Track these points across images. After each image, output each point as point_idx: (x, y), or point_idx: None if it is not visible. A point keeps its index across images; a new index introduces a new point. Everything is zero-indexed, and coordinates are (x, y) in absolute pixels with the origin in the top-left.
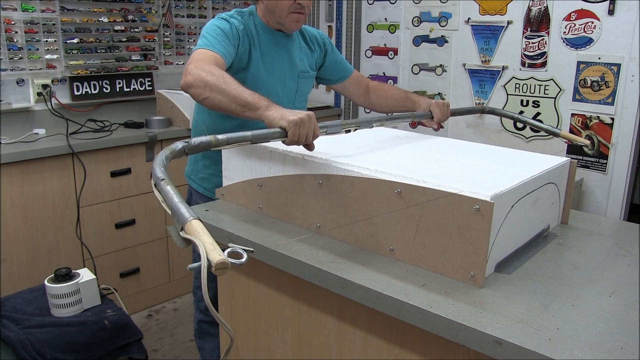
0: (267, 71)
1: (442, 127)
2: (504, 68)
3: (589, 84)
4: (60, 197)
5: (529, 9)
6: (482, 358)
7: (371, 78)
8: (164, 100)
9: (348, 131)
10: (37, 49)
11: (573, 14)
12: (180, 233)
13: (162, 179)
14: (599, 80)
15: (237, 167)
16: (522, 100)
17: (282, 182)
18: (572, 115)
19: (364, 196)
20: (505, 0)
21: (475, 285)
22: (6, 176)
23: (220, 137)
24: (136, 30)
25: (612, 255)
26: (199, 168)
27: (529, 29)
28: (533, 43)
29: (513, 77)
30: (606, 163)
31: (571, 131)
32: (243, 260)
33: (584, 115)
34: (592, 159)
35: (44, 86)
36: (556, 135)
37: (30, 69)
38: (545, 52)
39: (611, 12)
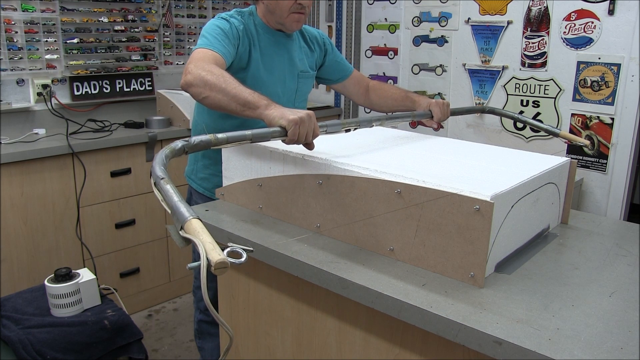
0: (267, 71)
1: (442, 127)
2: (504, 68)
3: (589, 84)
4: (60, 197)
5: (529, 9)
6: (482, 358)
7: (371, 78)
8: (164, 100)
9: (348, 130)
10: (37, 49)
11: (573, 14)
12: (180, 232)
13: (162, 178)
14: (599, 80)
15: (237, 167)
16: (522, 100)
17: (282, 182)
18: (572, 115)
19: (364, 196)
20: (505, 0)
21: (475, 285)
22: (6, 176)
23: (220, 136)
24: (136, 30)
25: (612, 255)
26: (199, 168)
27: (529, 29)
28: (533, 43)
29: (513, 77)
30: (606, 163)
31: (571, 131)
32: (242, 259)
33: (584, 115)
34: (592, 159)
35: (44, 86)
36: (556, 135)
37: (30, 69)
38: (545, 52)
39: (611, 12)
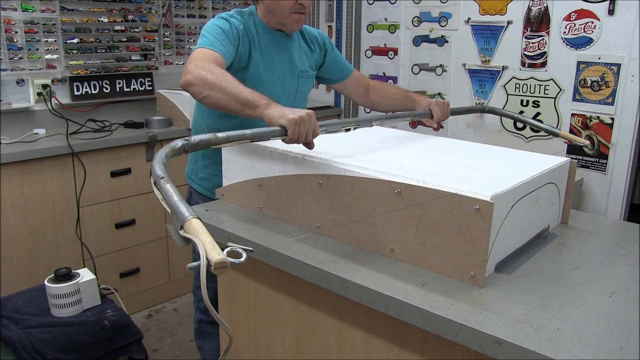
0: (267, 71)
1: (442, 127)
2: (504, 68)
3: (589, 84)
4: (60, 197)
5: (529, 9)
6: (482, 358)
7: (371, 78)
8: (164, 100)
9: (348, 130)
10: (37, 49)
11: (573, 14)
12: (180, 232)
13: (162, 177)
14: (599, 80)
15: (237, 167)
16: (522, 100)
17: (282, 182)
18: (572, 115)
19: (364, 196)
20: (505, 0)
21: (475, 285)
22: (6, 176)
23: (220, 135)
24: (136, 30)
25: (612, 255)
26: (199, 168)
27: (529, 29)
28: (533, 43)
29: (513, 77)
30: (606, 163)
31: (571, 131)
32: (242, 259)
33: (584, 115)
34: (592, 159)
35: (44, 86)
36: (556, 135)
37: (30, 69)
38: (545, 52)
39: (611, 12)
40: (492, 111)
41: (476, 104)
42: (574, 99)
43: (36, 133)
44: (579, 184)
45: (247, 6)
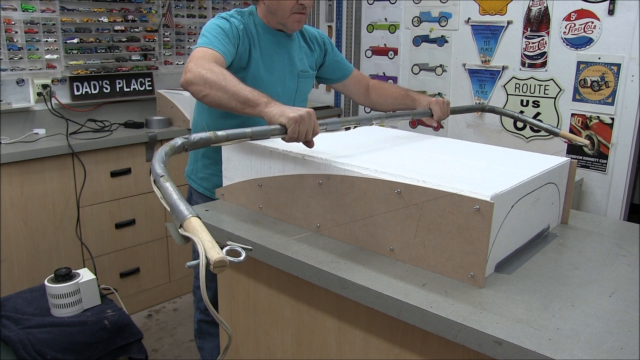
0: (267, 71)
1: (442, 126)
2: (504, 68)
3: (589, 84)
4: (60, 197)
5: (529, 9)
6: (482, 358)
7: (371, 78)
8: (164, 100)
9: (348, 128)
10: (37, 49)
11: (573, 14)
12: (179, 230)
13: (162, 176)
14: (599, 80)
15: (237, 167)
16: (522, 100)
17: (282, 182)
18: (572, 115)
19: (364, 196)
20: (505, 0)
21: (475, 285)
22: (6, 176)
23: (220, 133)
24: (136, 30)
25: (612, 255)
26: (198, 168)
27: (529, 29)
28: (533, 43)
29: (513, 77)
30: (606, 163)
31: (571, 131)
32: (241, 258)
33: (584, 115)
34: (592, 159)
35: (44, 86)
36: (556, 134)
37: (30, 69)
38: (545, 52)
39: (611, 12)
40: (492, 110)
41: (476, 104)
42: (574, 99)
43: (36, 133)
44: (579, 184)
45: (247, 6)
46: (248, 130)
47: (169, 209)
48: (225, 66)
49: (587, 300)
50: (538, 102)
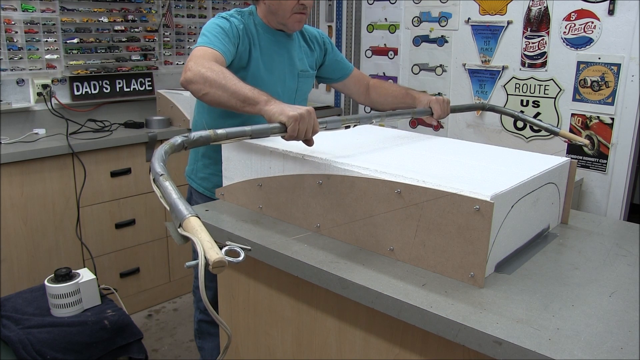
0: (267, 70)
1: (441, 126)
2: (504, 68)
3: (589, 84)
4: (60, 197)
5: (529, 9)
6: (482, 358)
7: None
8: (164, 100)
9: (348, 127)
10: (37, 49)
11: (573, 14)
12: (178, 230)
13: (161, 175)
14: (599, 80)
15: (237, 167)
16: (522, 100)
17: (282, 182)
18: (572, 115)
19: (364, 196)
20: (505, 0)
21: (475, 285)
22: (6, 176)
23: (219, 131)
24: (136, 30)
25: (612, 255)
26: (199, 168)
27: (529, 29)
28: (533, 43)
29: (513, 77)
30: (606, 163)
31: (571, 131)
32: (240, 258)
33: (584, 115)
34: (592, 159)
35: (44, 86)
36: (556, 133)
37: (30, 69)
38: (545, 52)
39: (611, 12)
40: (493, 109)
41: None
42: (574, 99)
43: (36, 133)
44: (579, 184)
45: (247, 6)
46: (248, 128)
47: (168, 208)
48: (225, 65)
49: (587, 300)
50: (538, 102)
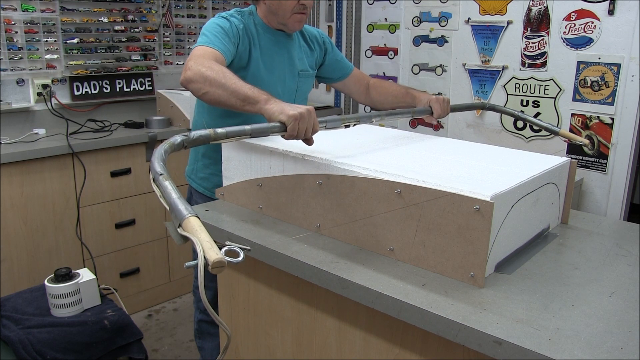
0: (267, 70)
1: (441, 126)
2: (504, 68)
3: (589, 84)
4: (60, 197)
5: (529, 9)
6: (482, 358)
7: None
8: (164, 100)
9: (347, 126)
10: (37, 49)
11: (573, 14)
12: (178, 229)
13: (161, 174)
14: (599, 80)
15: (237, 167)
16: (522, 100)
17: (282, 182)
18: (572, 115)
19: (364, 196)
20: (505, 0)
21: (475, 285)
22: (6, 176)
23: (219, 130)
24: (136, 30)
25: (612, 255)
26: (199, 168)
27: (529, 29)
28: (533, 43)
29: (513, 77)
30: (606, 163)
31: (571, 131)
32: (240, 258)
33: (584, 115)
34: (592, 159)
35: (44, 86)
36: (556, 133)
37: (30, 69)
38: (545, 52)
39: (611, 12)
40: (493, 108)
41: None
42: (574, 99)
43: (36, 133)
44: (579, 184)
45: (247, 6)
46: (247, 127)
47: (168, 208)
48: (225, 65)
49: (587, 300)
50: (538, 102)
